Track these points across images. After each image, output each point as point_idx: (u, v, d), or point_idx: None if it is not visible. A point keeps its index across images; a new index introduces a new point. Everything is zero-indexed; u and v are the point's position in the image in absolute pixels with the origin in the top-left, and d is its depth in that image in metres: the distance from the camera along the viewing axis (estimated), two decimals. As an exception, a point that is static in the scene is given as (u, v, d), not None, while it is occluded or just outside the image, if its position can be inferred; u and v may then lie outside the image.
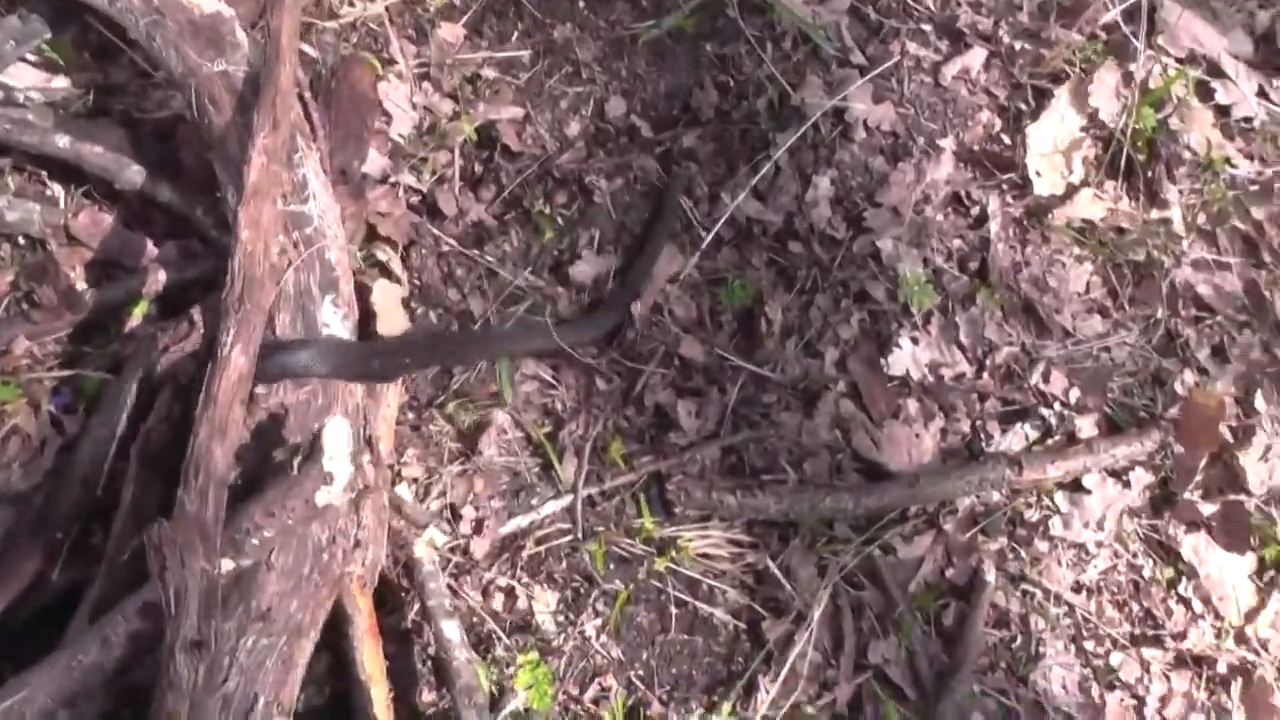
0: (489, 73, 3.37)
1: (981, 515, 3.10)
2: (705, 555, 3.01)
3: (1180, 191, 3.34)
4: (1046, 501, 3.14)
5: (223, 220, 2.84)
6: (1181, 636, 3.08)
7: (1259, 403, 3.18)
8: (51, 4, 3.15)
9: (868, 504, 3.03)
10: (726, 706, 2.86)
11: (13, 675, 2.36)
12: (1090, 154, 3.38)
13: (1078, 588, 3.11)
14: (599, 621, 2.93)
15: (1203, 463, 3.15)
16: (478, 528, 2.96)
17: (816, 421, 3.11)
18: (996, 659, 3.01)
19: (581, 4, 3.48)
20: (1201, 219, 3.36)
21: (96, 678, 2.37)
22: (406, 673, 2.82)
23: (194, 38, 2.94)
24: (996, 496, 3.11)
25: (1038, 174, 3.33)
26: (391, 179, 3.22)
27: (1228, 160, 3.39)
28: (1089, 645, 3.06)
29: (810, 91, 3.37)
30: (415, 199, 3.25)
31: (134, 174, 3.08)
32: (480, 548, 2.94)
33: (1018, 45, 3.45)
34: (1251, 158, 3.41)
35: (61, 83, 3.21)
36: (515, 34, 3.45)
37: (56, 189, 3.14)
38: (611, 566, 2.98)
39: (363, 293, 3.01)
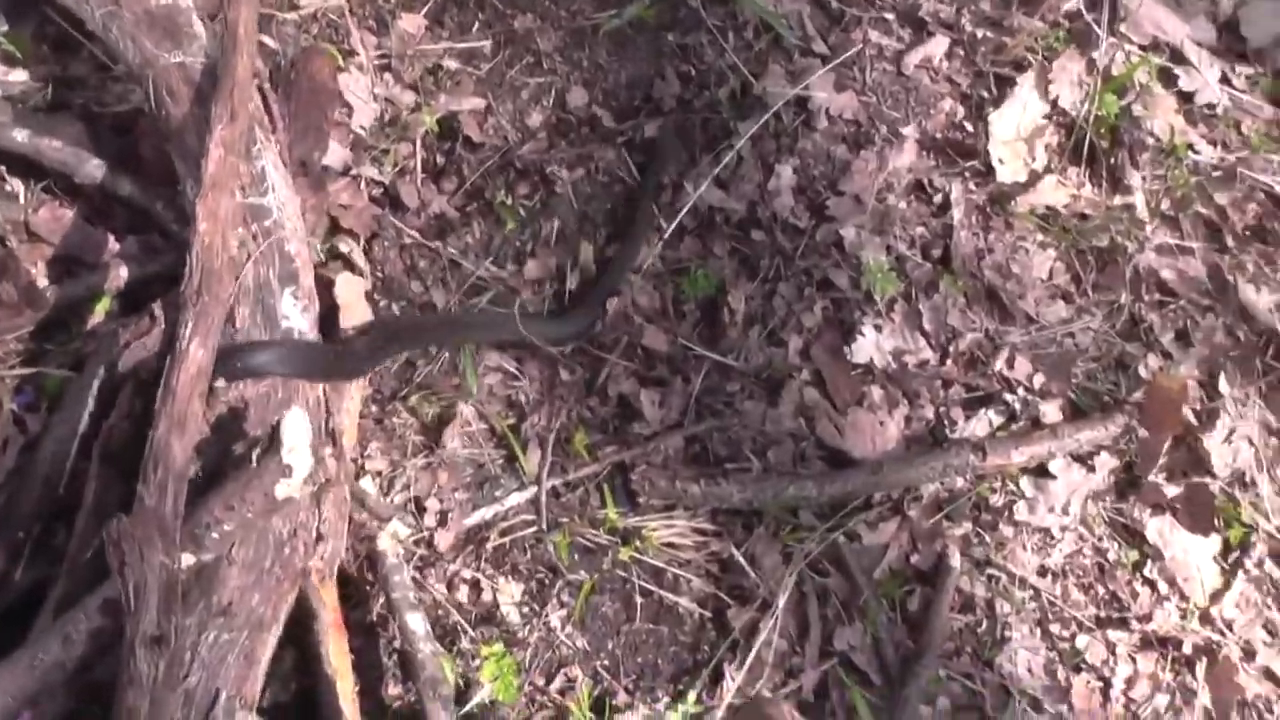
0: (450, 64, 3.38)
1: (946, 501, 3.12)
2: (670, 544, 3.02)
3: (1143, 177, 3.37)
4: (1011, 486, 3.16)
5: (184, 214, 2.84)
6: (1147, 618, 3.10)
7: (1222, 385, 3.22)
8: (9, -4, 3.14)
9: (832, 491, 3.05)
10: (692, 695, 2.87)
11: (-24, 675, 2.36)
12: (1053, 141, 3.41)
13: (1043, 571, 3.13)
14: (564, 612, 2.94)
15: (1167, 446, 3.17)
16: (442, 520, 2.97)
17: (780, 410, 3.13)
18: (962, 644, 3.03)
19: (541, -6, 3.48)
20: (1165, 204, 3.38)
21: (58, 676, 2.37)
22: (372, 666, 2.83)
23: (151, 28, 2.94)
24: (961, 482, 3.13)
25: (1000, 161, 3.35)
26: (353, 171, 3.23)
27: (1190, 146, 3.42)
28: (1054, 628, 3.08)
29: (772, 80, 3.38)
30: (377, 191, 3.26)
31: (94, 168, 3.08)
32: (444, 540, 2.95)
33: (980, 33, 3.47)
34: (1214, 143, 3.44)
35: (20, 76, 3.22)
36: (476, 24, 3.46)
37: (16, 184, 3.14)
38: (576, 557, 2.99)
39: (326, 286, 3.01)
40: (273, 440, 2.43)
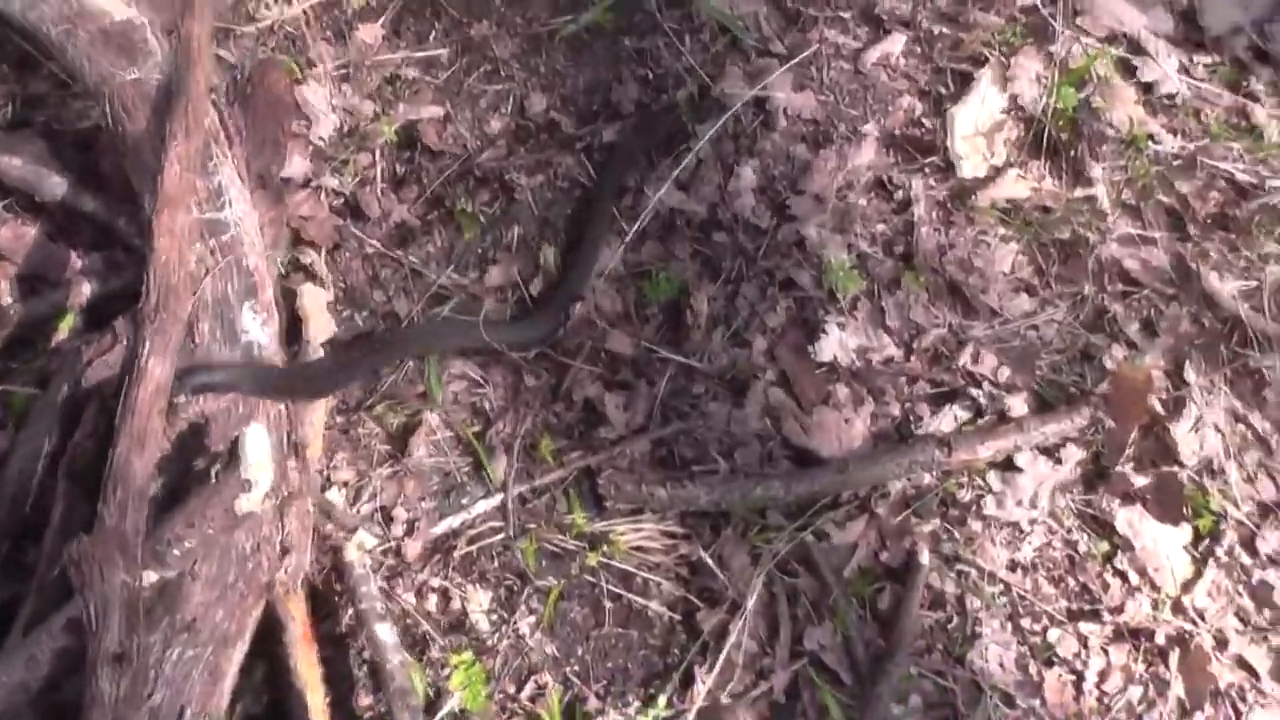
0: (409, 73, 3.41)
1: (914, 498, 3.14)
2: (638, 548, 3.04)
3: (1104, 169, 3.38)
4: (979, 481, 3.17)
5: (146, 229, 2.85)
6: (1118, 610, 3.12)
7: (1189, 374, 3.23)
8: (-34, 15, 3.16)
9: (799, 491, 3.07)
10: (663, 699, 2.90)
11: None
12: (1013, 135, 3.43)
13: (1013, 566, 3.14)
14: (533, 619, 2.96)
15: (1134, 436, 3.18)
16: (409, 529, 2.99)
17: (746, 411, 3.15)
18: (933, 640, 3.05)
19: (499, 1, 3.50)
20: (1127, 195, 3.40)
21: (22, 696, 2.39)
22: (343, 677, 2.86)
23: (106, 46, 2.96)
24: (928, 478, 3.15)
25: (960, 157, 3.37)
26: (314, 182, 3.26)
27: (1151, 136, 3.44)
28: (1025, 623, 3.09)
29: (730, 82, 3.41)
30: (338, 202, 3.29)
31: (56, 185, 3.11)
32: (412, 549, 2.97)
33: (937, 29, 3.49)
34: (1175, 133, 3.46)
35: (-21, 95, 3.23)
36: (433, 33, 3.48)
37: (-23, 203, 3.15)
38: (544, 563, 3.02)
39: (289, 298, 3.04)
40: (233, 456, 2.44)
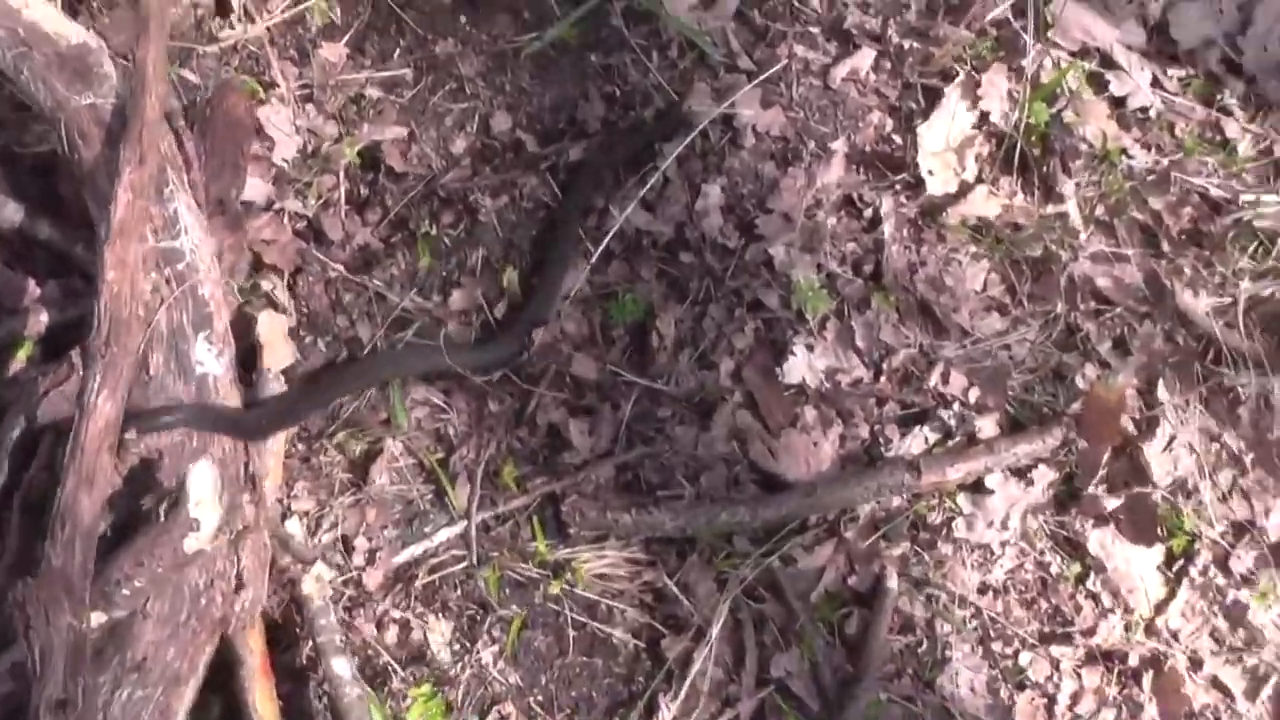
0: (372, 92, 3.39)
1: (883, 521, 3.13)
2: (602, 575, 3.04)
3: (1077, 184, 3.36)
4: (949, 504, 3.15)
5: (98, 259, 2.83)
6: (1091, 632, 3.12)
7: (1161, 393, 3.22)
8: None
9: (765, 516, 3.06)
10: (628, 727, 2.88)
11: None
12: (984, 151, 3.41)
13: (983, 589, 3.13)
14: (496, 648, 2.96)
15: (1106, 456, 3.16)
16: (370, 559, 2.98)
17: (713, 434, 3.14)
18: (902, 665, 3.05)
19: (463, 18, 3.48)
20: (1100, 211, 3.39)
21: (-31, 742, 2.38)
22: (302, 711, 2.87)
23: (61, 70, 2.93)
24: (897, 501, 3.14)
25: (930, 173, 3.35)
26: (276, 205, 3.24)
27: (1124, 151, 3.42)
28: (996, 646, 3.09)
29: (698, 99, 3.39)
30: (301, 225, 3.26)
31: (12, 212, 3.08)
32: (373, 579, 2.97)
33: (906, 44, 3.46)
34: (1148, 147, 3.44)
35: (-65, 120, 3.21)
36: (397, 51, 3.46)
37: (-67, 231, 3.12)
38: (507, 592, 3.01)
39: (248, 324, 3.01)
40: (179, 495, 2.42)
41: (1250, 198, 3.35)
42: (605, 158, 3.35)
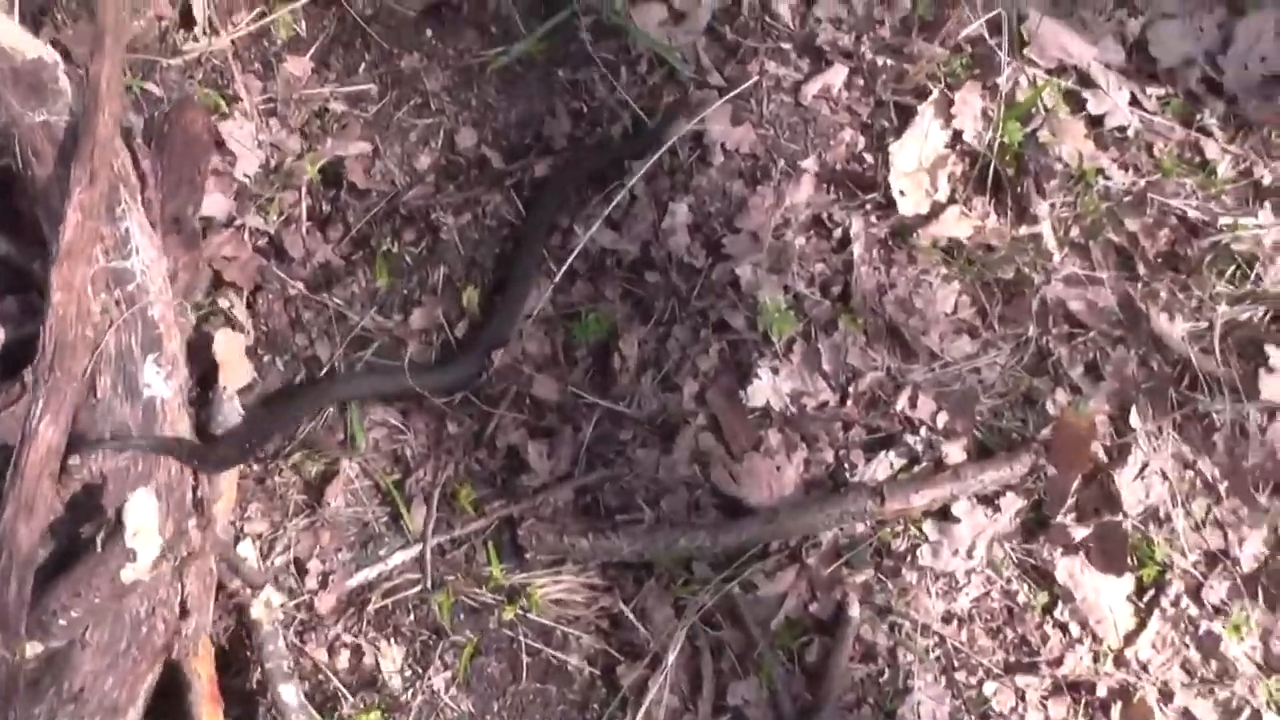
0: (337, 107, 3.40)
1: (846, 547, 3.13)
2: (559, 601, 3.05)
3: (1052, 205, 3.35)
4: (914, 530, 3.15)
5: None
6: (1058, 663, 3.11)
7: (1134, 419, 3.21)
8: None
9: (725, 541, 3.06)
10: (581, 756, 2.89)
11: None
12: (956, 170, 3.40)
13: (948, 617, 3.13)
14: (448, 674, 2.98)
15: (1076, 484, 3.15)
16: (323, 582, 3.01)
17: (675, 457, 3.14)
18: (863, 694, 3.05)
19: (429, 32, 3.49)
20: (1074, 232, 3.38)
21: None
22: (253, 735, 2.86)
23: (15, 86, 2.93)
24: (861, 527, 3.13)
25: (902, 193, 3.34)
26: (237, 221, 3.26)
27: (1100, 171, 3.41)
28: (960, 676, 3.09)
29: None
30: (262, 241, 3.28)
31: (-33, 227, 3.09)
32: (325, 603, 2.98)
33: (880, 61, 3.45)
34: (1126, 167, 3.43)
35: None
36: (363, 65, 3.47)
37: (-113, 247, 3.14)
38: (461, 617, 3.03)
39: (206, 343, 3.02)
40: (117, 524, 2.43)
41: (1229, 220, 3.34)
42: (571, 174, 3.35)
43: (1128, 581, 3.17)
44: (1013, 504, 3.17)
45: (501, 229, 3.33)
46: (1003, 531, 3.17)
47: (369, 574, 3.03)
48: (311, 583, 3.01)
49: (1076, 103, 3.48)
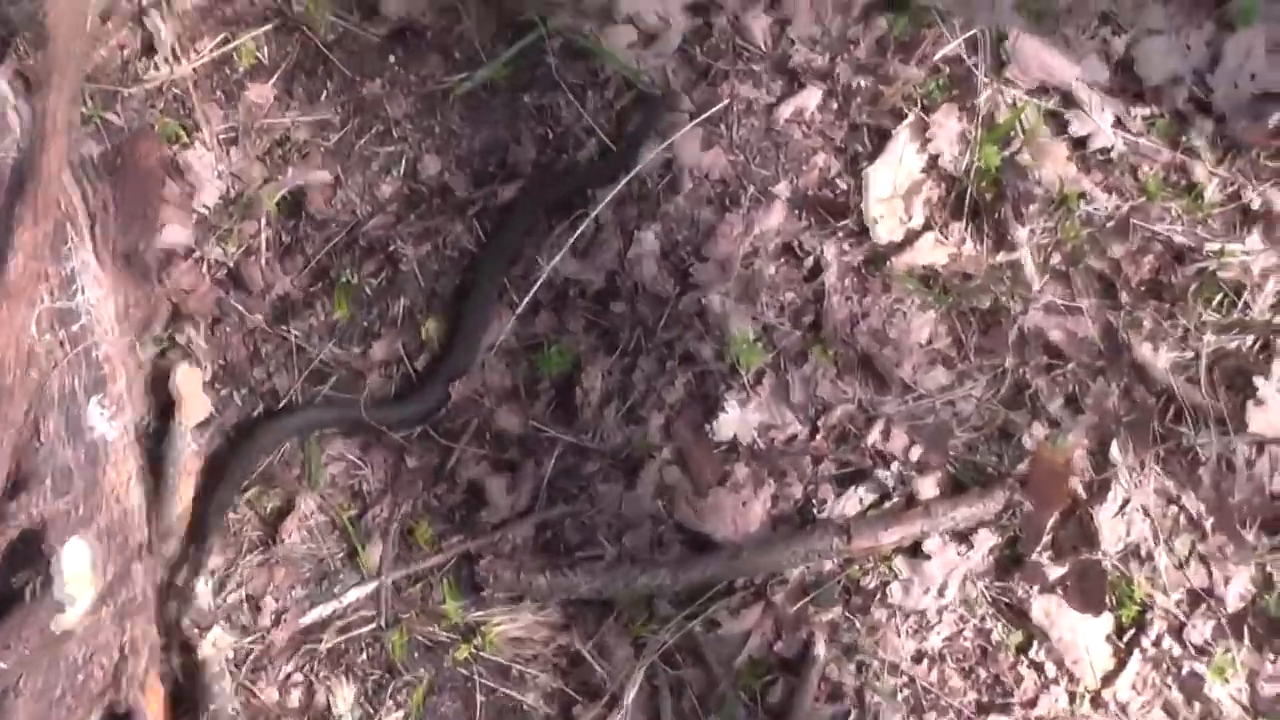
0: (299, 135, 3.43)
1: (813, 585, 3.14)
2: (516, 639, 3.07)
3: (1031, 231, 3.33)
4: (884, 568, 3.14)
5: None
6: (1032, 703, 3.11)
7: (1114, 454, 3.19)
8: None
9: (687, 579, 3.09)
10: (535, 798, 2.92)
11: None
12: (933, 196, 3.38)
13: (918, 656, 3.13)
14: (400, 714, 3.00)
15: (1052, 521, 3.14)
16: (277, 619, 3.03)
17: (638, 492, 3.17)
18: (829, 735, 3.04)
19: (392, 59, 3.51)
20: (1055, 259, 3.35)
21: None
22: (202, 773, 2.90)
23: (-36, 121, 2.97)
24: (829, 565, 3.12)
25: (876, 220, 3.34)
26: (197, 253, 3.29)
27: (1083, 195, 3.37)
28: (930, 717, 3.10)
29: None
30: (222, 273, 3.32)
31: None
32: (278, 640, 3.02)
33: (855, 82, 3.43)
34: (1109, 191, 3.40)
35: None
36: (325, 93, 3.49)
37: None
38: (416, 655, 3.07)
39: (165, 377, 3.06)
40: (48, 575, 2.47)
41: (1215, 246, 3.30)
42: (535, 201, 3.37)
43: (1106, 621, 3.16)
44: (987, 541, 3.16)
45: (462, 259, 3.36)
46: (976, 569, 3.16)
47: (323, 611, 3.08)
48: (265, 620, 3.05)
49: (1058, 124, 3.44)
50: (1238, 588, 3.17)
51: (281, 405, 3.24)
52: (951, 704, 3.10)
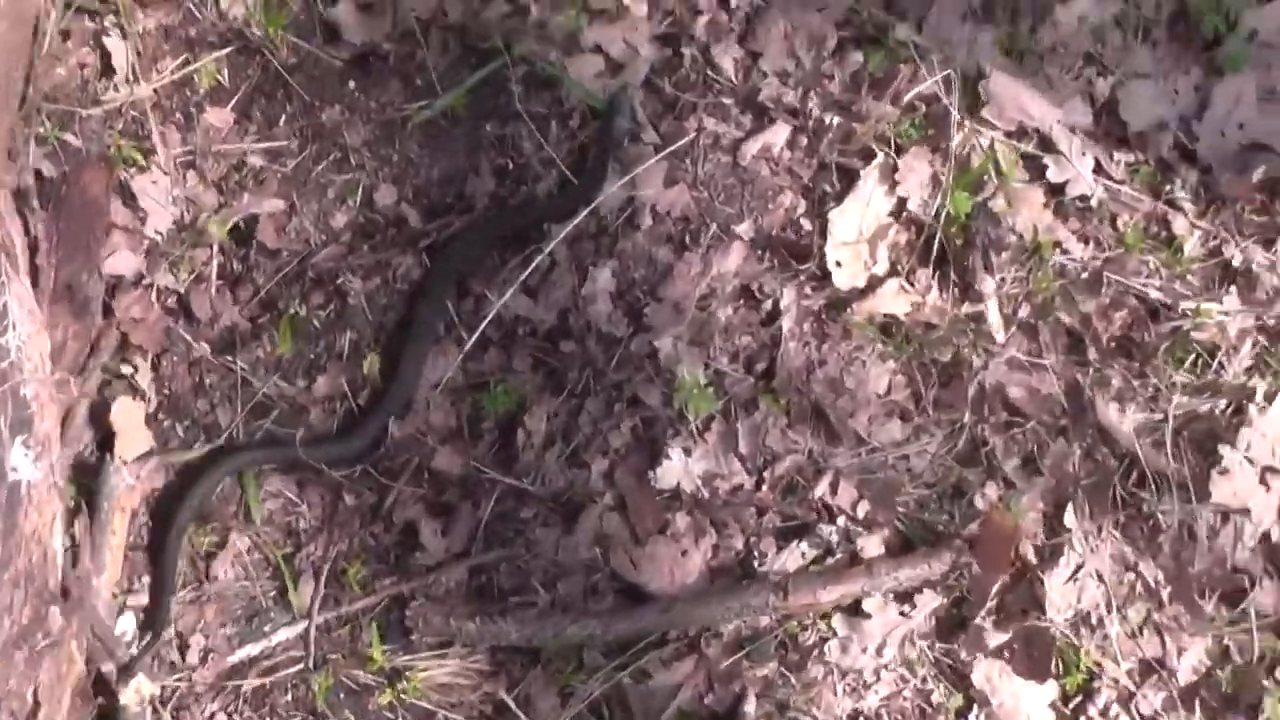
0: (255, 161, 3.47)
1: (748, 639, 3.16)
2: (443, 685, 3.12)
3: (1001, 281, 3.29)
4: (823, 625, 3.13)
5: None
6: (971, 768, 3.09)
7: (1068, 519, 3.17)
8: None
9: (618, 630, 3.13)
10: None
11: None
12: (900, 240, 3.35)
13: (854, 715, 3.15)
14: (321, 760, 3.06)
15: (998, 585, 3.12)
16: (204, 658, 3.09)
17: (576, 538, 3.20)
18: (757, 794, 3.07)
19: (352, 84, 3.53)
20: (1023, 312, 3.30)
21: None
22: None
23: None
24: (766, 620, 3.13)
25: (839, 264, 3.31)
26: (146, 280, 3.33)
27: (1057, 244, 3.32)
28: (863, 779, 3.09)
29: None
30: (171, 301, 3.36)
31: None
32: (203, 679, 3.09)
33: (826, 119, 3.39)
34: (1086, 240, 3.34)
35: None
36: (283, 118, 3.53)
37: None
38: (341, 697, 3.13)
39: (104, 410, 3.13)
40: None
41: (1192, 305, 3.25)
42: (483, 232, 3.38)
43: (1051, 688, 3.14)
44: (930, 601, 3.17)
45: (411, 292, 3.35)
46: (919, 629, 3.16)
47: (251, 650, 3.15)
48: (193, 658, 3.12)
49: (1035, 169, 3.37)
50: (1192, 659, 3.15)
51: (223, 440, 3.29)
52: (887, 765, 3.11)
